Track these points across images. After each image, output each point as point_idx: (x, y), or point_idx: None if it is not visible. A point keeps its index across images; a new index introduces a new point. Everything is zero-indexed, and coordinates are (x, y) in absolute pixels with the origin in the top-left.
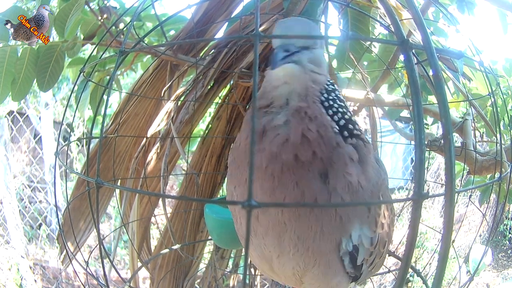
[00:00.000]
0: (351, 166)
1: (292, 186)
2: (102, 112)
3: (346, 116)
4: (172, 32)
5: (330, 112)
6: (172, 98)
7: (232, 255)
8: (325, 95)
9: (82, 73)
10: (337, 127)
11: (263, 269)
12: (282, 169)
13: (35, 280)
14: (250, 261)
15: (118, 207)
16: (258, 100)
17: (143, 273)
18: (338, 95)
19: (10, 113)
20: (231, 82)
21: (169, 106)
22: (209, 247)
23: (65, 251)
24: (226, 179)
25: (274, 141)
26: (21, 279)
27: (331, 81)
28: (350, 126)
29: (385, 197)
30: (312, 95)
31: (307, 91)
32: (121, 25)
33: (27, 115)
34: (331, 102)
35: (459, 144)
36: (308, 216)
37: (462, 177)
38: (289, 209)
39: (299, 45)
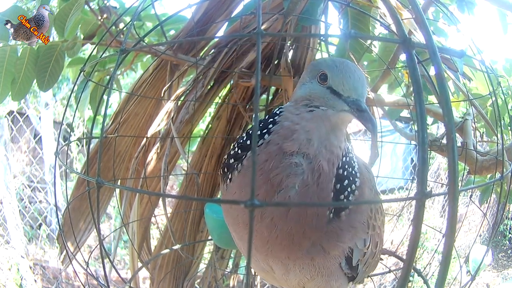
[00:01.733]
0: (343, 233)
1: (286, 256)
2: (102, 112)
3: (356, 178)
4: (172, 32)
5: (345, 182)
6: (172, 98)
7: (232, 255)
8: (343, 158)
9: (82, 73)
10: (333, 193)
11: (264, 277)
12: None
13: (35, 280)
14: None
15: (118, 207)
16: (281, 138)
17: (143, 273)
18: (352, 158)
19: (10, 113)
20: (231, 82)
21: (169, 106)
22: (209, 247)
23: (65, 251)
24: None
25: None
26: (21, 279)
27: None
28: (349, 190)
29: (375, 204)
30: (336, 155)
31: (335, 149)
32: (121, 25)
33: (27, 115)
34: (345, 165)
35: (459, 144)
36: (311, 262)
37: (463, 177)
38: (294, 260)
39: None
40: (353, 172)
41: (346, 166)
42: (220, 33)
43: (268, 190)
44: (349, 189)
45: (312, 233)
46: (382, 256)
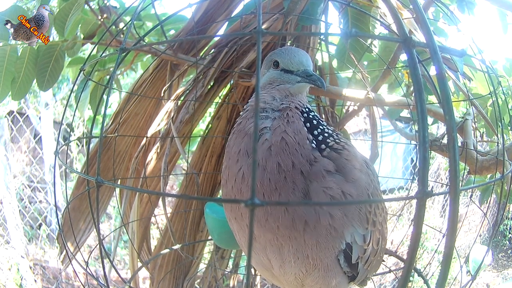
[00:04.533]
0: (329, 179)
1: (283, 210)
2: (102, 112)
3: (325, 132)
4: (172, 32)
5: (308, 125)
6: (172, 97)
7: (232, 255)
8: (307, 110)
9: (82, 72)
10: (314, 141)
11: (265, 275)
12: (271, 187)
13: (35, 280)
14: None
15: (118, 207)
16: (251, 101)
17: (143, 273)
18: (317, 116)
19: (10, 113)
20: (231, 81)
21: (169, 105)
22: (209, 247)
23: (65, 251)
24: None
25: (262, 147)
26: (21, 279)
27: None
28: (328, 140)
29: (374, 196)
30: (299, 105)
31: (297, 104)
32: (121, 25)
33: (27, 115)
34: (311, 117)
35: (460, 144)
36: (303, 236)
37: (463, 177)
38: (282, 234)
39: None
40: (320, 121)
41: (311, 115)
42: (220, 32)
43: (247, 141)
44: (320, 128)
45: (301, 151)
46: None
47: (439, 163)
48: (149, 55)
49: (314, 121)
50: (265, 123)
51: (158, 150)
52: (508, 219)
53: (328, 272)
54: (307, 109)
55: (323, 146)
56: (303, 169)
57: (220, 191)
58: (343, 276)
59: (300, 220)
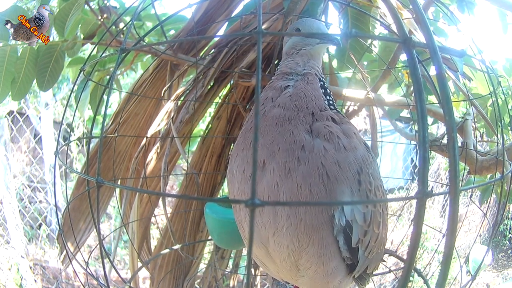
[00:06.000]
0: (332, 123)
1: (289, 134)
2: (102, 112)
3: (331, 102)
4: (172, 32)
5: (322, 91)
6: (172, 98)
7: (232, 255)
8: (323, 80)
9: (82, 72)
10: (325, 102)
11: (261, 256)
12: (285, 118)
13: (35, 280)
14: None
15: (118, 207)
16: (280, 67)
17: (143, 273)
18: (329, 89)
19: (10, 113)
20: (231, 82)
21: (169, 106)
22: (209, 247)
23: (65, 251)
24: (226, 179)
25: (283, 96)
26: (21, 279)
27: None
28: (332, 107)
29: (374, 178)
30: (318, 74)
31: (319, 69)
32: (121, 25)
33: (27, 115)
34: (325, 86)
35: (460, 144)
36: (296, 171)
37: (463, 177)
38: (279, 167)
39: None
40: (331, 93)
41: (326, 85)
42: (220, 33)
43: (274, 93)
44: (330, 96)
45: (311, 106)
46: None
47: (439, 163)
48: (149, 55)
49: (328, 90)
50: (289, 83)
51: (158, 150)
52: (508, 219)
53: (324, 250)
54: (323, 78)
55: (331, 107)
56: (314, 112)
57: (220, 191)
58: (342, 262)
59: (300, 142)
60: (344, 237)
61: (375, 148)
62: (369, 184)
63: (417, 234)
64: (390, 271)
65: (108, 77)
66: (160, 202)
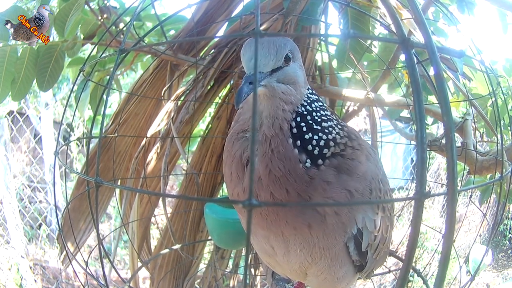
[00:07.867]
0: (331, 188)
1: (284, 223)
2: (102, 112)
3: (324, 131)
4: (172, 32)
5: (307, 136)
6: (172, 98)
7: (232, 255)
8: (302, 108)
9: (82, 73)
10: (308, 160)
11: (267, 261)
12: (267, 210)
13: (35, 280)
14: (251, 261)
15: (118, 207)
16: (235, 123)
17: (143, 273)
18: (321, 106)
19: (10, 113)
20: (231, 82)
21: (169, 106)
22: (209, 247)
23: (65, 251)
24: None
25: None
26: (21, 279)
27: (311, 91)
28: (325, 151)
29: (384, 183)
30: (281, 119)
31: (276, 115)
32: (121, 25)
33: (27, 115)
34: (308, 118)
35: (459, 144)
36: (308, 232)
37: (462, 177)
38: (288, 227)
39: (267, 70)
40: (317, 116)
41: (305, 119)
42: (220, 33)
43: (237, 165)
44: (316, 139)
45: (294, 177)
46: None
47: (439, 163)
48: (149, 56)
49: (310, 121)
50: (248, 151)
51: (158, 150)
52: (508, 219)
53: (335, 261)
54: (300, 109)
55: (319, 161)
56: (300, 192)
57: (220, 191)
58: (350, 265)
59: (304, 221)
60: (354, 243)
61: (375, 148)
62: (379, 192)
63: (415, 234)
64: (389, 271)
65: (108, 77)
66: (160, 202)
